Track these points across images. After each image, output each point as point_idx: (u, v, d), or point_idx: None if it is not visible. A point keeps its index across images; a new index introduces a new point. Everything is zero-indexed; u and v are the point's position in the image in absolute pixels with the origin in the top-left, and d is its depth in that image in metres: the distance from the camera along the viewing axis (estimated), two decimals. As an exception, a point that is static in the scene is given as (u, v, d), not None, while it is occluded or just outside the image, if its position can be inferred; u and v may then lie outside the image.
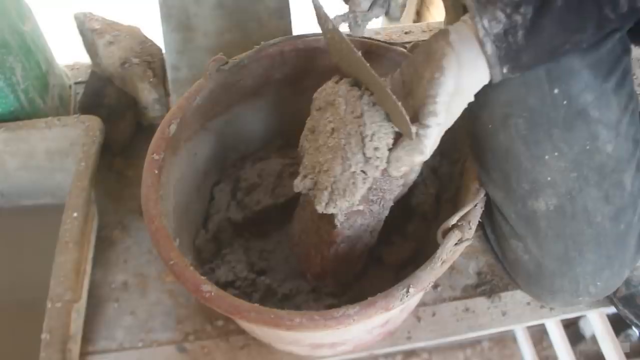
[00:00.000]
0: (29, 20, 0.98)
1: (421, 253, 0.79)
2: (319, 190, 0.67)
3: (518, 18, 0.55)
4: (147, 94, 1.00)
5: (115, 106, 0.99)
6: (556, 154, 0.67)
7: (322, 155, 0.67)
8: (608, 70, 0.66)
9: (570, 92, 0.65)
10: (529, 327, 0.94)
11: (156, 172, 0.70)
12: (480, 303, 0.87)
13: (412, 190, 0.83)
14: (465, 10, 0.59)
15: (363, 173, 0.64)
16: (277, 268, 0.82)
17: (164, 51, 1.01)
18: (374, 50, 0.81)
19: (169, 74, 0.99)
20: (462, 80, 0.57)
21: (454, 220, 0.63)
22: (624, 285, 0.83)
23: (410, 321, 0.85)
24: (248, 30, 0.98)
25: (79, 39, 1.07)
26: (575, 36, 0.57)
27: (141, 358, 0.82)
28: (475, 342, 0.99)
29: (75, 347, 0.79)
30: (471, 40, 0.57)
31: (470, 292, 0.88)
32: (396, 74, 0.64)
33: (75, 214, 0.77)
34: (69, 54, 1.19)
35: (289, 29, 1.00)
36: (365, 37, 0.82)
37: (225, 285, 0.77)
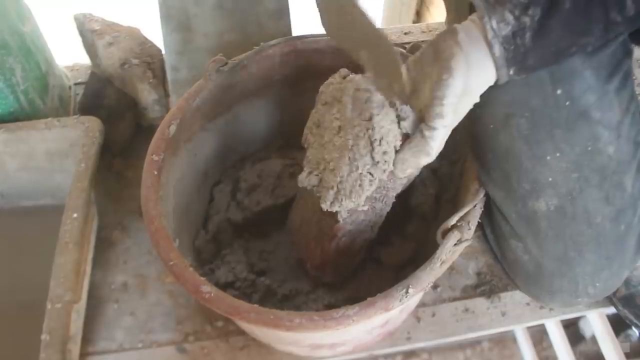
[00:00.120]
0: (29, 21, 0.98)
1: (421, 253, 0.79)
2: (325, 188, 0.67)
3: (526, 20, 0.55)
4: (147, 95, 1.00)
5: (115, 107, 1.00)
6: (558, 154, 0.67)
7: (328, 153, 0.67)
8: (610, 72, 0.66)
9: (573, 93, 0.66)
10: (528, 328, 0.94)
11: (156, 173, 0.70)
12: (479, 303, 0.87)
13: (412, 190, 0.83)
14: (471, 9, 0.58)
15: (370, 175, 0.64)
16: (276, 269, 0.82)
17: (163, 52, 1.01)
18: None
19: (169, 75, 0.99)
20: (470, 81, 0.57)
21: (453, 220, 0.63)
22: (623, 286, 0.83)
23: (410, 322, 0.85)
24: (248, 31, 0.98)
25: (78, 40, 1.07)
26: (582, 39, 0.57)
27: (141, 359, 0.82)
28: (475, 343, 0.99)
29: (75, 348, 0.79)
30: (479, 40, 0.56)
31: (470, 292, 0.88)
32: (402, 69, 0.64)
33: (75, 215, 0.78)
34: (68, 55, 1.19)
35: (288, 30, 1.00)
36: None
37: (225, 286, 0.77)
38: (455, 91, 0.56)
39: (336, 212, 0.68)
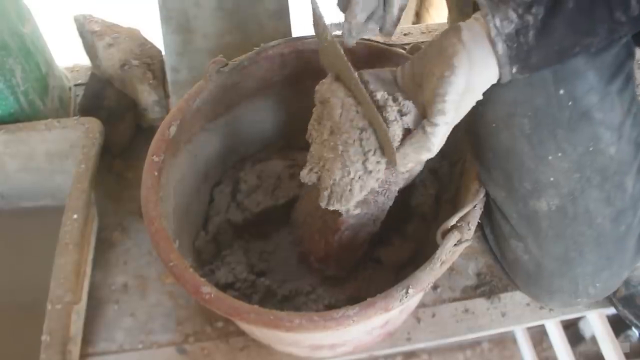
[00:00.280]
0: (29, 22, 0.98)
1: (420, 254, 0.79)
2: (321, 188, 0.67)
3: (529, 18, 0.55)
4: (147, 96, 1.00)
5: (115, 108, 1.00)
6: (560, 154, 0.67)
7: (326, 151, 0.67)
8: (613, 73, 0.67)
9: (576, 94, 0.66)
10: (528, 328, 0.94)
11: (156, 173, 0.70)
12: (479, 304, 0.87)
13: (412, 191, 0.83)
14: (475, 7, 0.59)
15: (361, 181, 0.64)
16: (276, 269, 0.82)
17: (163, 53, 1.01)
18: (373, 52, 0.81)
19: (169, 76, 0.99)
20: (473, 79, 0.57)
21: (453, 221, 0.63)
22: (623, 286, 0.83)
23: (410, 322, 0.85)
24: (248, 32, 0.98)
25: (78, 41, 1.07)
26: (585, 39, 0.57)
27: (141, 359, 0.82)
28: (475, 343, 0.99)
29: (75, 349, 0.79)
30: (483, 38, 0.57)
31: (470, 293, 0.88)
32: (407, 65, 0.65)
33: (75, 216, 0.78)
34: (68, 56, 1.19)
35: (288, 31, 1.00)
36: (365, 39, 0.82)
37: (225, 287, 0.77)
38: (457, 88, 0.56)
39: None
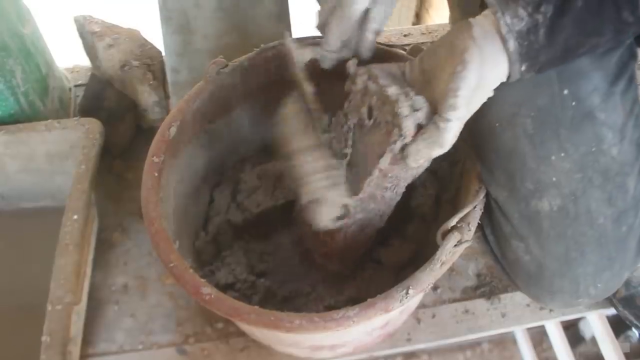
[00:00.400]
0: (29, 23, 0.98)
1: (420, 255, 0.79)
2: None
3: (539, 17, 0.55)
4: (147, 97, 1.00)
5: (115, 109, 1.00)
6: (562, 154, 0.67)
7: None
8: (616, 74, 0.67)
9: (580, 94, 0.66)
10: (528, 329, 0.94)
11: (156, 174, 0.70)
12: (479, 305, 0.87)
13: (412, 191, 0.83)
14: (482, 6, 0.59)
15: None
16: (277, 270, 0.82)
17: (163, 54, 1.01)
18: (373, 52, 0.81)
19: (169, 77, 0.99)
20: (485, 75, 0.57)
21: (453, 221, 0.63)
22: (623, 287, 0.83)
23: (410, 323, 0.85)
24: (248, 33, 0.98)
25: (78, 42, 1.07)
26: (592, 39, 0.57)
27: (141, 360, 0.82)
28: (475, 344, 0.99)
29: (75, 350, 0.79)
30: (493, 35, 0.57)
31: (470, 293, 0.88)
32: (416, 61, 0.64)
33: (75, 217, 0.78)
34: (68, 57, 1.19)
35: (288, 32, 1.00)
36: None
37: (225, 288, 0.77)
38: (469, 84, 0.56)
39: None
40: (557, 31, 0.56)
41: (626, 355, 0.86)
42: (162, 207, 0.68)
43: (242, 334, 0.83)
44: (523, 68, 0.58)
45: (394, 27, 1.35)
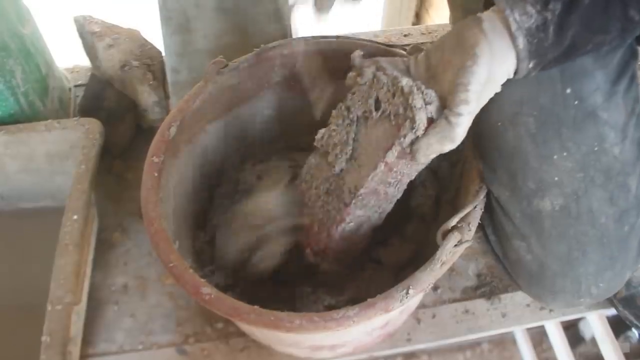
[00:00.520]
0: (29, 23, 0.98)
1: (421, 255, 0.79)
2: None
3: (548, 14, 0.55)
4: (147, 97, 1.00)
5: (115, 109, 1.00)
6: (564, 154, 0.67)
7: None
8: (619, 74, 0.67)
9: (582, 93, 0.66)
10: (528, 329, 0.94)
11: (156, 174, 0.70)
12: (480, 305, 0.87)
13: (412, 191, 0.83)
14: (486, 5, 0.59)
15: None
16: (277, 270, 0.82)
17: (163, 54, 1.01)
18: (373, 53, 0.81)
19: (169, 77, 0.99)
20: (494, 69, 0.57)
21: (453, 221, 0.63)
22: (624, 287, 0.83)
23: (410, 323, 0.85)
24: (248, 33, 0.98)
25: (78, 42, 1.07)
26: (598, 36, 0.57)
27: (141, 360, 0.82)
28: (474, 344, 0.99)
29: (75, 350, 0.79)
30: (503, 31, 0.57)
31: (470, 294, 0.88)
32: (421, 56, 0.64)
33: (75, 217, 0.78)
34: (68, 57, 1.19)
35: (288, 32, 1.00)
36: (365, 40, 0.82)
37: (225, 288, 0.77)
38: (479, 78, 0.56)
39: (344, 194, 0.69)
40: (565, 28, 0.56)
41: (626, 355, 0.86)
42: (162, 207, 0.68)
43: (242, 334, 0.83)
44: (530, 65, 0.58)
45: (394, 27, 1.35)
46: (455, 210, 0.65)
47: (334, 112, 0.73)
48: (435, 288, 0.88)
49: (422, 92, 0.61)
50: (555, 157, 0.68)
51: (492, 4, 0.58)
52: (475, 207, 0.66)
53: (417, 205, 0.83)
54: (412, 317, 0.85)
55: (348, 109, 0.71)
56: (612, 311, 0.87)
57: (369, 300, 0.59)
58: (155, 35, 1.02)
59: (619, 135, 0.67)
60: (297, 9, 0.66)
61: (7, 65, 0.89)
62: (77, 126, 0.88)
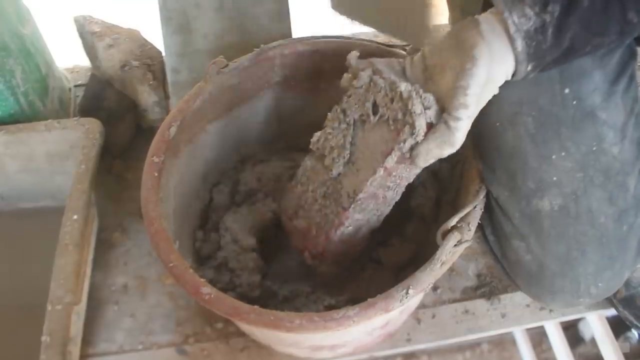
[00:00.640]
0: (29, 23, 0.98)
1: (421, 255, 0.79)
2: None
3: (546, 16, 0.55)
4: (147, 97, 1.00)
5: (115, 109, 1.00)
6: (563, 153, 0.68)
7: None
8: (617, 74, 0.67)
9: (581, 93, 0.66)
10: (528, 330, 0.94)
11: (156, 174, 0.70)
12: (479, 305, 0.87)
13: (412, 192, 0.83)
14: (484, 7, 0.59)
15: None
16: (277, 270, 0.82)
17: (163, 54, 1.01)
18: (373, 53, 0.81)
19: (169, 77, 0.99)
20: (493, 71, 0.57)
21: (453, 221, 0.63)
22: (624, 287, 0.83)
23: (410, 323, 0.85)
24: (248, 33, 0.98)
25: (78, 42, 1.07)
26: (597, 38, 0.57)
27: (141, 360, 0.82)
28: (474, 345, 0.99)
29: (75, 350, 0.79)
30: (501, 32, 0.56)
31: (470, 294, 0.88)
32: (417, 58, 0.64)
33: (75, 217, 0.78)
34: (68, 57, 1.19)
35: (288, 32, 1.00)
36: (365, 40, 0.82)
37: (225, 288, 0.77)
38: (479, 81, 0.56)
39: (343, 198, 0.69)
40: (563, 30, 0.56)
41: (626, 356, 0.86)
42: (162, 207, 0.68)
43: (242, 334, 0.83)
44: (529, 68, 0.58)
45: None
46: (455, 211, 0.65)
47: (329, 115, 0.72)
48: (435, 288, 0.88)
49: (421, 97, 0.61)
50: (554, 157, 0.68)
51: (491, 6, 0.58)
52: (475, 207, 0.66)
53: (417, 206, 0.83)
54: (412, 317, 0.85)
55: (344, 111, 0.70)
56: (611, 311, 0.87)
57: (369, 300, 0.59)
58: (155, 35, 1.02)
59: (618, 135, 0.68)
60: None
61: (7, 65, 0.89)
62: (77, 126, 0.88)
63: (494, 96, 0.60)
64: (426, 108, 0.60)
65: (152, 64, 1.02)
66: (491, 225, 0.81)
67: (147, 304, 0.87)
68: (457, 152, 0.62)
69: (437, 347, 0.96)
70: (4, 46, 0.88)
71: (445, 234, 0.63)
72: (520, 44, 0.56)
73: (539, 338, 1.01)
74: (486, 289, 0.88)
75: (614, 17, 0.55)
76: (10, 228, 0.94)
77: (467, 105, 0.57)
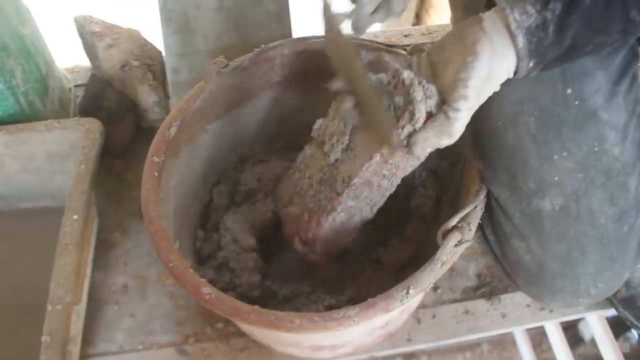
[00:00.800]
0: (29, 23, 0.98)
1: (421, 255, 0.79)
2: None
3: (548, 14, 0.56)
4: (147, 97, 1.00)
5: (115, 109, 1.00)
6: (565, 154, 0.68)
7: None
8: (620, 74, 0.67)
9: (583, 93, 0.66)
10: (528, 330, 0.94)
11: (156, 174, 0.70)
12: (480, 305, 0.87)
13: (412, 192, 0.83)
14: (488, 5, 0.59)
15: None
16: (277, 270, 0.82)
17: (163, 54, 1.01)
18: (374, 51, 0.81)
19: (169, 77, 0.99)
20: (494, 66, 0.58)
21: (453, 221, 0.63)
22: (624, 287, 0.83)
23: (410, 323, 0.85)
24: (248, 33, 0.98)
25: (78, 42, 1.07)
26: (599, 37, 0.58)
27: (141, 360, 0.82)
28: (474, 345, 0.99)
29: (75, 350, 0.79)
30: (503, 30, 0.57)
31: (470, 294, 0.88)
32: (423, 55, 0.65)
33: (75, 217, 0.77)
34: (68, 57, 1.19)
35: (288, 32, 1.00)
36: (365, 40, 0.82)
37: (225, 288, 0.77)
38: (480, 74, 0.57)
39: (337, 183, 0.69)
40: (565, 28, 0.56)
41: (625, 356, 0.86)
42: (162, 207, 0.68)
43: (242, 334, 0.83)
44: (531, 65, 0.58)
45: (394, 27, 1.35)
46: (455, 211, 0.65)
47: (333, 103, 0.73)
48: (435, 288, 0.88)
49: (423, 86, 0.62)
50: (555, 157, 0.68)
51: (494, 5, 0.59)
52: (475, 207, 0.66)
53: (417, 206, 0.83)
54: (412, 317, 0.85)
55: (346, 97, 0.71)
56: (611, 312, 0.87)
57: (369, 300, 0.59)
58: (155, 35, 1.02)
59: (619, 135, 0.68)
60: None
61: (7, 65, 0.89)
62: (77, 126, 0.88)
63: (496, 95, 0.61)
64: (427, 97, 0.61)
65: (152, 64, 1.02)
66: (491, 225, 0.81)
67: (147, 304, 0.87)
68: (458, 151, 0.62)
69: (437, 347, 0.96)
70: (4, 46, 0.88)
71: (446, 234, 0.63)
72: (521, 40, 0.56)
73: (539, 338, 1.01)
74: (486, 289, 0.88)
75: (616, 15, 0.56)
76: (10, 228, 0.94)
77: (467, 97, 0.57)
